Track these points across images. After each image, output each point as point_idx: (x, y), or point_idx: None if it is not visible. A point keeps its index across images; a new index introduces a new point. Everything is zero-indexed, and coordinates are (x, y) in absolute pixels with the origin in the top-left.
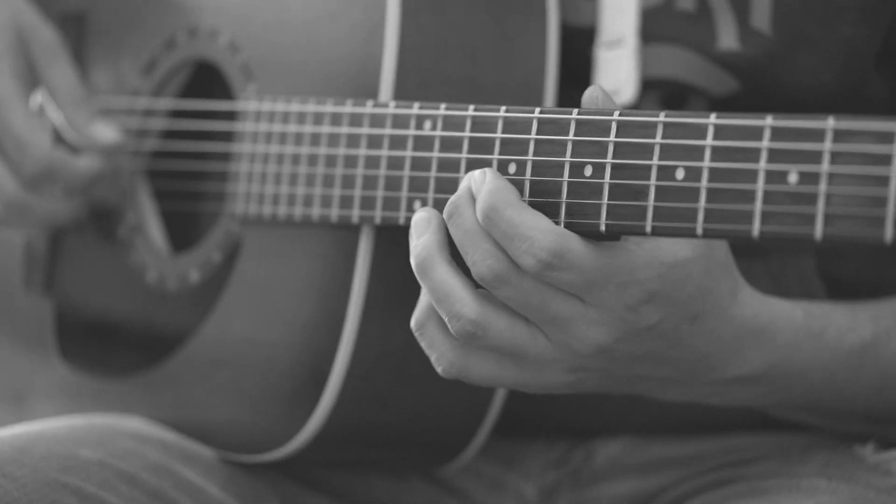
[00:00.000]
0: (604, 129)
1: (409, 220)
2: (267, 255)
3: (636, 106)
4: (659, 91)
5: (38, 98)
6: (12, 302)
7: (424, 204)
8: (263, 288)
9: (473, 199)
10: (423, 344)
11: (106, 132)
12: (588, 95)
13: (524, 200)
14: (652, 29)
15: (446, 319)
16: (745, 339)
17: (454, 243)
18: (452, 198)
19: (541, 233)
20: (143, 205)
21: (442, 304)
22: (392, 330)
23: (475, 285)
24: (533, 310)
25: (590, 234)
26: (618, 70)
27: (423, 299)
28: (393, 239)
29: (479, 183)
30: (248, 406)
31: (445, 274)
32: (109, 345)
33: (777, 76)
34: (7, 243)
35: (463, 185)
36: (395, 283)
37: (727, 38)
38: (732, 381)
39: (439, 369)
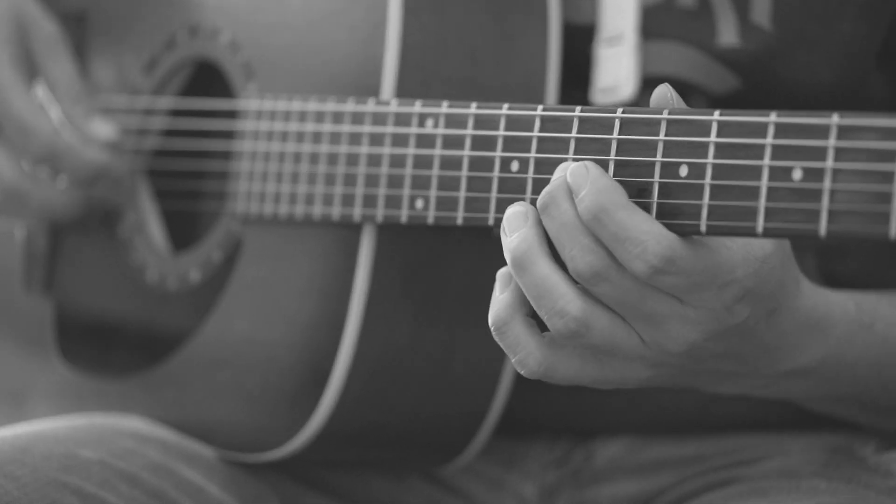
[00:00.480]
0: (607, 126)
1: (410, 218)
2: (268, 254)
3: (636, 104)
4: None
5: (39, 93)
6: (12, 302)
7: (427, 202)
8: (264, 287)
9: (570, 192)
10: (504, 344)
11: (104, 128)
12: (659, 94)
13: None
14: (653, 26)
15: (546, 317)
16: (805, 331)
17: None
18: (547, 189)
19: (654, 238)
20: (143, 204)
21: (542, 300)
22: (394, 329)
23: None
24: (628, 307)
25: None
26: (617, 67)
27: (504, 297)
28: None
29: (582, 178)
30: (249, 405)
31: (547, 269)
32: (109, 344)
33: (777, 73)
34: (7, 243)
35: (557, 177)
36: (397, 282)
37: (727, 34)
38: (788, 373)
39: (524, 370)
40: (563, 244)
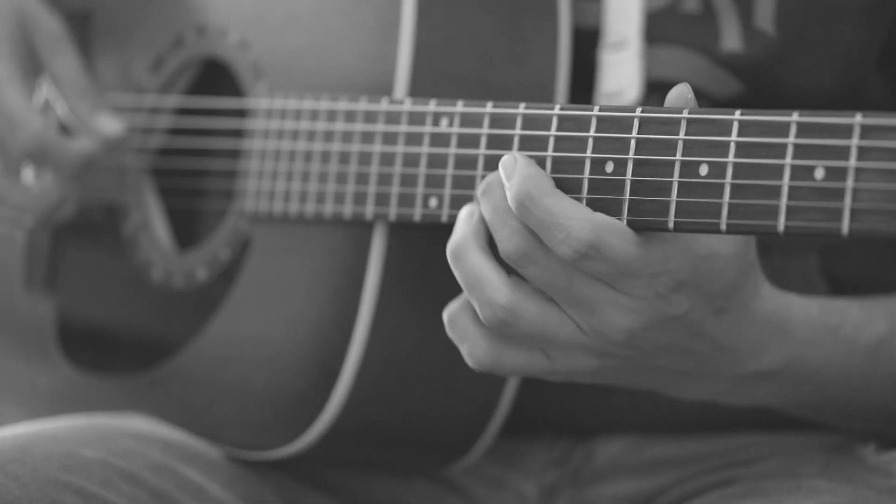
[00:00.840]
0: (626, 125)
1: (424, 216)
2: (277, 252)
3: None
4: (662, 93)
5: (45, 92)
6: (13, 301)
7: (441, 201)
8: (273, 285)
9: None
10: (454, 336)
11: (109, 123)
12: (677, 93)
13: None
14: (657, 31)
15: (477, 307)
16: (765, 334)
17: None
18: (486, 177)
19: (578, 223)
20: (148, 202)
21: (474, 290)
22: (404, 328)
23: (509, 273)
24: (559, 290)
25: None
26: (622, 72)
27: (463, 294)
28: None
29: (510, 168)
30: (255, 404)
31: (478, 260)
32: (113, 343)
33: (779, 77)
34: (8, 243)
35: (499, 168)
36: (408, 281)
37: (731, 39)
38: (750, 376)
39: (471, 361)
40: (495, 228)
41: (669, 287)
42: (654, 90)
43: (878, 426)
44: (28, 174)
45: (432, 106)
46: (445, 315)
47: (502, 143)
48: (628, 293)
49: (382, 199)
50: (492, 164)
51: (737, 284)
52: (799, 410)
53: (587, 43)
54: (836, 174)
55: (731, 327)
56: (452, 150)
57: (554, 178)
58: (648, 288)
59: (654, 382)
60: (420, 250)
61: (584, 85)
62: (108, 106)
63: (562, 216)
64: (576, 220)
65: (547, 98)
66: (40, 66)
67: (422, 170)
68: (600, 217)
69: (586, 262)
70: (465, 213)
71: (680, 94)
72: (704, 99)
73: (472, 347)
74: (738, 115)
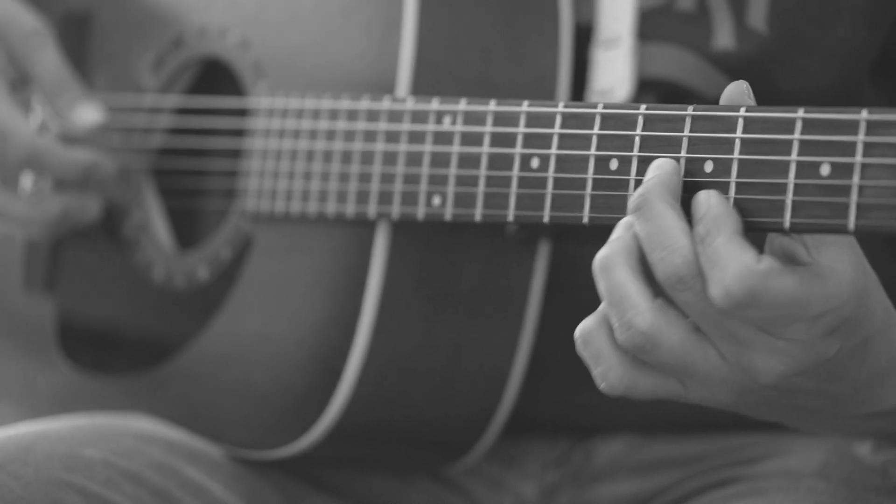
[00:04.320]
0: (630, 122)
1: (427, 215)
2: (279, 251)
3: None
4: (654, 92)
5: (39, 113)
6: (13, 302)
7: (444, 199)
8: (275, 284)
9: (666, 195)
10: (586, 356)
11: (86, 114)
12: (734, 88)
13: None
14: (650, 29)
15: (616, 327)
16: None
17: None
18: (640, 189)
19: (736, 263)
20: (148, 203)
21: (615, 308)
22: (406, 328)
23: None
24: (711, 321)
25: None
26: (613, 69)
27: (601, 308)
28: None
29: (703, 205)
30: (257, 403)
31: (625, 277)
32: (114, 343)
33: (772, 77)
34: (8, 243)
35: (653, 178)
36: (411, 280)
37: (723, 38)
38: (879, 413)
39: (603, 385)
40: (652, 247)
41: (831, 327)
42: (646, 88)
43: None
44: (26, 185)
45: (435, 104)
46: (578, 332)
47: (506, 141)
48: (787, 338)
49: (385, 198)
50: (496, 161)
51: (871, 307)
52: None
53: (580, 40)
54: (843, 170)
55: (873, 360)
56: (456, 148)
57: (557, 177)
58: (808, 331)
59: (782, 418)
60: (423, 249)
61: (576, 82)
62: (108, 106)
63: (727, 258)
64: (736, 261)
65: (548, 95)
66: (22, 71)
67: (425, 168)
68: (765, 265)
69: (742, 310)
70: (621, 226)
71: (737, 87)
72: (697, 98)
73: (607, 371)
74: (742, 111)
